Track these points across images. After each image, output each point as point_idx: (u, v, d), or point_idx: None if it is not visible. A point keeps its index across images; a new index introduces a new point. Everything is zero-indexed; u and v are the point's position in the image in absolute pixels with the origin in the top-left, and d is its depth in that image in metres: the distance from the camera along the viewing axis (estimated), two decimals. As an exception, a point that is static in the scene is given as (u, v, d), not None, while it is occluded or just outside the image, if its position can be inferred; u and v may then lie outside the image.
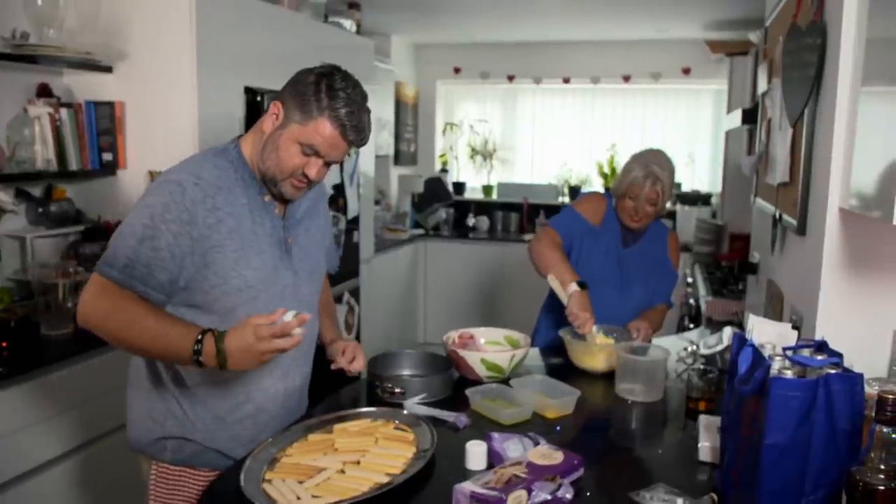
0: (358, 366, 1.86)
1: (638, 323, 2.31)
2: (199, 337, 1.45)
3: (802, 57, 1.89)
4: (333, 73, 1.59)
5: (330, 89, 1.55)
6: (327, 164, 1.63)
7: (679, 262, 2.60)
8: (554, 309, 2.51)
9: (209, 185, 1.56)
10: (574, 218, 2.49)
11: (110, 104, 2.87)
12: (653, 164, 2.36)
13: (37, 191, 2.86)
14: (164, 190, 1.54)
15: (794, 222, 1.96)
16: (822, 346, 1.32)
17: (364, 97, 1.62)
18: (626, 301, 2.44)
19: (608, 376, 2.09)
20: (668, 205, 5.82)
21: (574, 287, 2.24)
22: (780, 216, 2.26)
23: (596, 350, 2.17)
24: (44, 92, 2.83)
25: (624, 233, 2.50)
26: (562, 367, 2.22)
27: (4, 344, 2.35)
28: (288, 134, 1.58)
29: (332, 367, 1.86)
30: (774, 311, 2.28)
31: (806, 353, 1.30)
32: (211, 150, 1.68)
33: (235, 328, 1.44)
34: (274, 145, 1.59)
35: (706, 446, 1.57)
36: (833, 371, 1.21)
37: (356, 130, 1.58)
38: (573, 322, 2.21)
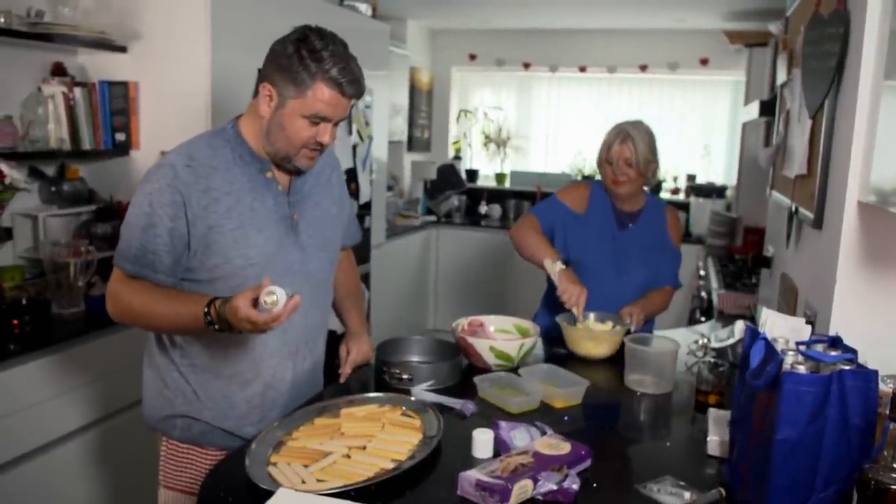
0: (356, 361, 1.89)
1: (630, 308, 2.29)
2: (207, 310, 1.49)
3: (824, 47, 1.86)
4: (307, 35, 1.56)
5: (312, 53, 1.53)
6: (335, 124, 1.63)
7: (680, 240, 2.56)
8: (552, 297, 2.51)
9: (202, 165, 1.58)
10: (555, 206, 2.49)
11: (124, 84, 2.87)
12: (626, 125, 2.40)
13: (50, 170, 2.87)
14: (158, 174, 1.57)
15: (811, 215, 1.93)
16: (836, 342, 1.30)
17: (345, 47, 1.60)
18: (624, 284, 2.40)
19: (618, 367, 2.07)
20: (673, 186, 5.86)
21: (560, 265, 2.25)
22: (797, 209, 2.23)
23: (592, 335, 2.17)
24: (58, 71, 2.83)
25: (618, 214, 2.48)
26: (564, 356, 2.21)
27: (16, 322, 2.36)
28: (289, 112, 1.57)
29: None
30: (788, 305, 2.25)
31: (819, 348, 1.28)
32: (208, 132, 1.70)
33: (229, 303, 1.45)
34: (279, 126, 1.59)
35: (715, 440, 1.55)
36: (847, 367, 1.19)
37: (352, 84, 1.57)
38: (565, 298, 2.21)
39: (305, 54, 1.53)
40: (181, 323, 1.55)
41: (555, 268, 2.25)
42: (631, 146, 2.36)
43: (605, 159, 2.42)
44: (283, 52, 1.56)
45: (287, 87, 1.55)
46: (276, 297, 1.42)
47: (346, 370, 1.88)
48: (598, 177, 2.52)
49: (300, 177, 1.73)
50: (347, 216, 1.96)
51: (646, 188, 2.53)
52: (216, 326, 1.49)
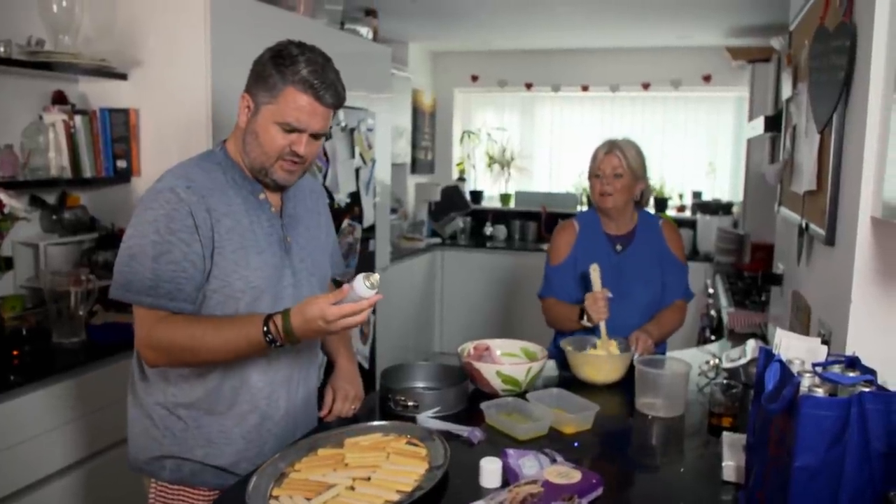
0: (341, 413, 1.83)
1: (639, 333, 2.25)
2: (265, 329, 1.46)
3: (830, 60, 1.83)
4: (287, 44, 1.56)
5: (288, 57, 1.52)
6: (315, 137, 1.58)
7: (682, 250, 2.54)
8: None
9: (201, 186, 1.55)
10: (552, 274, 2.51)
11: (125, 111, 2.86)
12: (613, 139, 2.45)
13: (51, 198, 2.86)
14: (160, 201, 1.51)
15: (822, 232, 1.89)
16: (853, 363, 1.26)
17: (326, 57, 1.57)
18: (628, 307, 2.35)
19: (628, 390, 2.02)
20: (679, 204, 5.84)
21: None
22: (807, 225, 2.19)
23: (595, 360, 2.14)
24: (59, 99, 2.83)
25: (611, 239, 2.46)
26: (574, 380, 2.16)
27: (16, 352, 2.33)
28: (263, 118, 1.54)
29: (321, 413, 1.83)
30: (801, 324, 2.21)
31: (837, 369, 1.24)
32: (196, 156, 1.66)
33: (302, 308, 1.44)
34: (254, 135, 1.56)
35: (730, 465, 1.51)
36: (867, 389, 1.15)
37: (326, 87, 1.53)
38: (593, 304, 2.23)
39: (280, 60, 1.53)
40: (234, 349, 1.50)
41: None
42: (619, 154, 2.38)
43: (593, 172, 2.44)
44: (261, 60, 1.56)
45: (261, 94, 1.54)
46: (377, 276, 1.44)
47: (327, 416, 1.81)
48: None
49: (290, 200, 1.70)
50: (332, 244, 1.91)
51: (637, 208, 2.52)
52: (278, 343, 1.47)
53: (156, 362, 1.55)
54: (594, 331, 2.29)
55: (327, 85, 1.53)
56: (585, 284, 2.32)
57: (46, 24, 2.70)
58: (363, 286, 1.42)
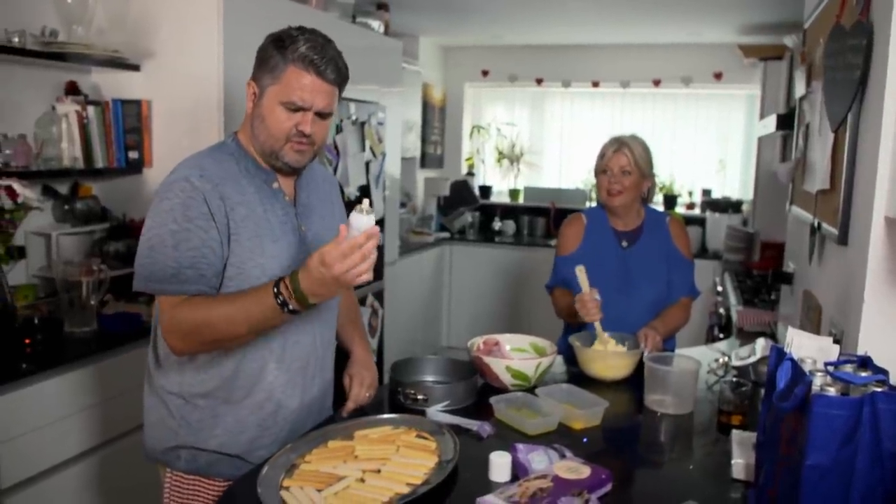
0: (359, 398, 1.83)
1: (647, 330, 2.24)
2: (276, 291, 1.44)
3: (846, 59, 1.82)
4: (288, 28, 1.58)
5: (287, 38, 1.55)
6: (321, 117, 1.59)
7: (689, 247, 2.52)
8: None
9: (214, 175, 1.56)
10: (559, 266, 2.50)
11: (137, 102, 2.87)
12: (620, 136, 2.45)
13: (63, 188, 2.87)
14: (174, 191, 1.53)
15: (835, 231, 1.88)
16: (865, 362, 1.26)
17: (326, 38, 1.59)
18: (634, 303, 2.36)
19: (637, 387, 2.02)
20: (689, 201, 5.83)
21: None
22: (819, 225, 2.18)
23: (604, 356, 2.13)
24: (72, 90, 2.84)
25: (618, 235, 2.46)
26: (583, 376, 2.16)
27: (28, 340, 2.35)
28: (268, 101, 1.56)
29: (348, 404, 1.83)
30: (812, 323, 2.20)
31: (849, 368, 1.24)
32: (207, 148, 1.67)
33: (303, 267, 1.42)
34: (260, 119, 1.58)
35: (740, 463, 1.51)
36: (879, 389, 1.14)
37: (327, 63, 1.54)
38: (582, 307, 2.20)
39: (280, 42, 1.55)
40: (250, 317, 1.48)
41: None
42: (627, 152, 2.38)
43: (600, 169, 2.44)
44: (263, 46, 1.59)
45: (265, 77, 1.56)
46: (367, 201, 1.42)
47: (349, 406, 1.81)
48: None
49: (303, 189, 1.71)
50: None
51: (642, 205, 2.51)
52: (290, 307, 1.44)
53: (180, 347, 1.54)
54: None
55: (328, 60, 1.55)
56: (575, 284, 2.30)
57: (60, 14, 2.72)
58: (359, 218, 1.39)
